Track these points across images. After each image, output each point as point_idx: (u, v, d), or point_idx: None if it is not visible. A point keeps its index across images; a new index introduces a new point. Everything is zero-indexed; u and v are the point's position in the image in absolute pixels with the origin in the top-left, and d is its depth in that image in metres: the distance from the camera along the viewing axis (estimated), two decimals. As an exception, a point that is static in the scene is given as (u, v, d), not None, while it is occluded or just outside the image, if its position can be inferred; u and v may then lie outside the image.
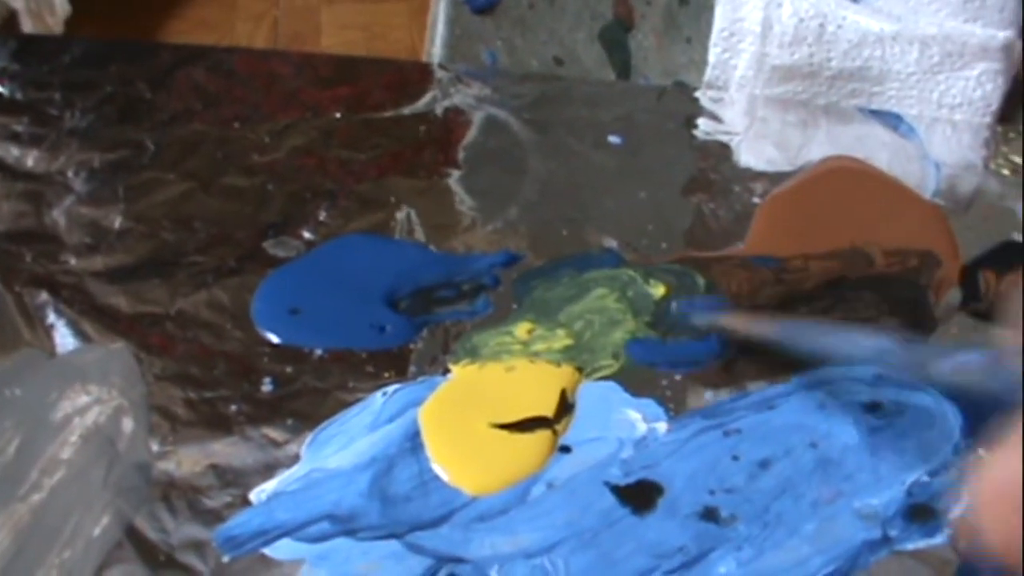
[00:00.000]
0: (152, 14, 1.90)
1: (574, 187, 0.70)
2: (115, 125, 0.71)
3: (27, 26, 1.65)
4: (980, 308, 0.65)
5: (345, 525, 0.53)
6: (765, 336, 0.58)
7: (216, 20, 1.92)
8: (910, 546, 0.54)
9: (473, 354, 0.60)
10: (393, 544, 0.52)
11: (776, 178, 0.72)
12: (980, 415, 0.58)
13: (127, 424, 0.56)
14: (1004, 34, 0.80)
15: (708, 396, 0.59)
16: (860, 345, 0.52)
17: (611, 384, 0.59)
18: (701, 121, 0.76)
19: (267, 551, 0.52)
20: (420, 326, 0.61)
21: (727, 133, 0.75)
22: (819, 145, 0.75)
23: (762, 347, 0.58)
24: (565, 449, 0.56)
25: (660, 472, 0.56)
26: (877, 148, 0.75)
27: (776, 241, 0.68)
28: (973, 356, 0.34)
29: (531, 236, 0.66)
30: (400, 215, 0.67)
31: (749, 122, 0.77)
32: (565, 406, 0.58)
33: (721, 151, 0.74)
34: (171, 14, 1.91)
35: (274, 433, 0.56)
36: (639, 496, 0.55)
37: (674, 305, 0.64)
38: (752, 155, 0.74)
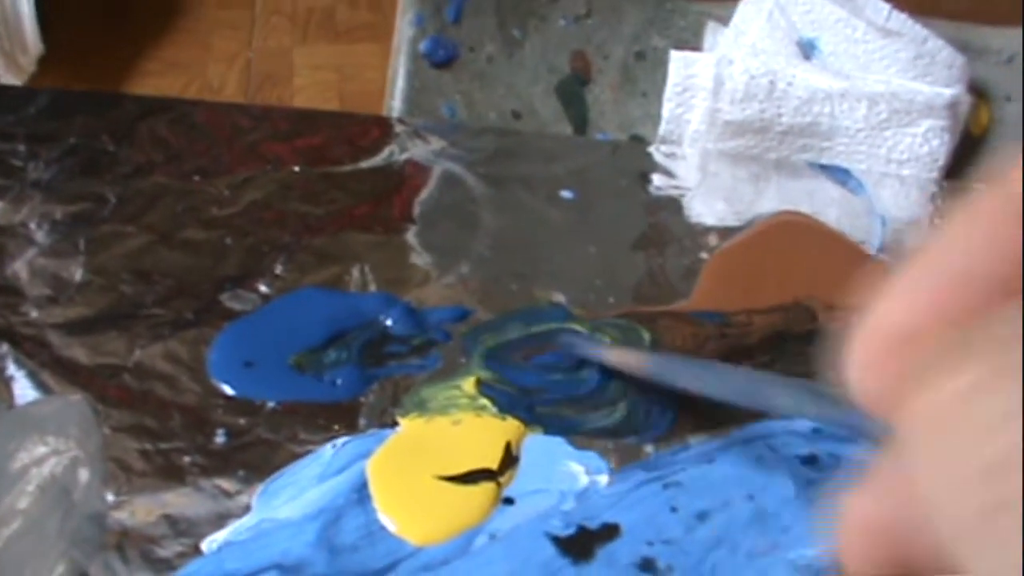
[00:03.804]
0: (125, 55, 1.91)
1: (525, 242, 0.71)
2: (78, 177, 0.72)
3: None
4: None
5: (293, 574, 0.54)
6: (638, 368, 0.60)
7: (188, 61, 1.93)
8: (842, 597, 0.55)
9: (421, 407, 0.62)
10: (339, 594, 0.54)
11: (726, 233, 0.74)
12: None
13: (83, 475, 0.57)
14: (950, 91, 0.82)
15: (649, 449, 0.61)
16: (728, 383, 0.53)
17: (555, 437, 0.61)
18: (654, 176, 0.78)
19: (216, 600, 0.54)
20: (370, 379, 0.63)
21: (679, 188, 0.77)
22: (770, 200, 0.77)
23: (642, 380, 0.60)
24: (508, 501, 0.58)
25: (600, 524, 0.57)
26: (827, 203, 0.77)
27: (722, 296, 0.69)
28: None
29: (482, 291, 0.68)
30: (355, 269, 0.68)
31: (701, 177, 0.79)
32: (509, 459, 0.59)
33: (673, 206, 0.75)
34: (144, 55, 1.92)
35: (226, 484, 0.58)
36: (578, 547, 0.56)
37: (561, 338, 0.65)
38: (703, 210, 0.75)
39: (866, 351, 0.22)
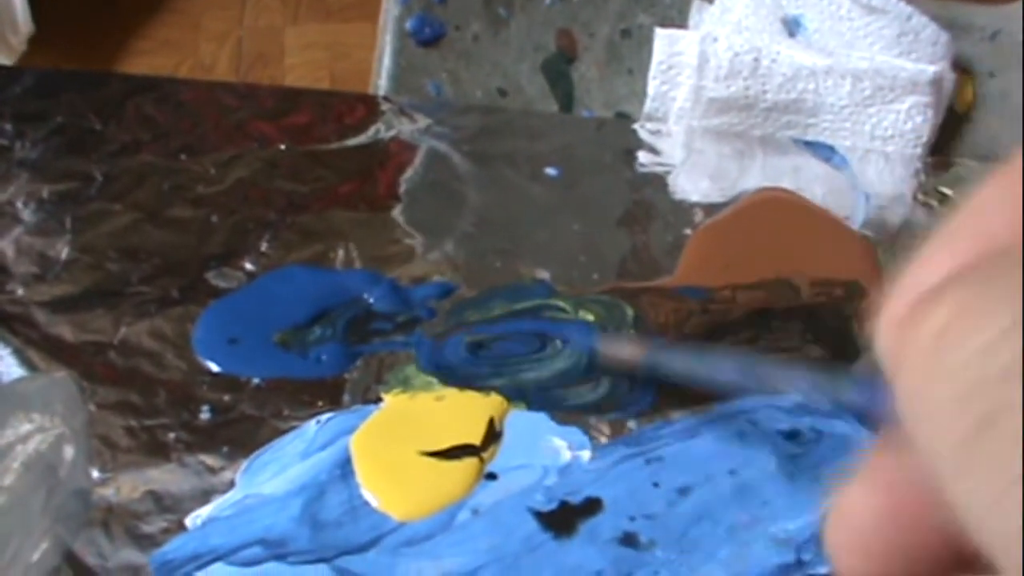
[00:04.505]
0: (116, 34, 1.91)
1: (510, 219, 0.72)
2: (64, 156, 0.72)
3: (-11, 46, 1.66)
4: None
5: (276, 549, 0.55)
6: (635, 361, 0.60)
7: (180, 40, 1.93)
8: (823, 570, 0.56)
9: (405, 384, 0.62)
10: (322, 568, 0.54)
11: (711, 209, 0.74)
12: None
13: (68, 451, 0.58)
14: (934, 68, 0.82)
15: (632, 424, 0.61)
16: (721, 369, 0.53)
17: (538, 413, 0.61)
18: (640, 153, 0.78)
19: (200, 575, 0.54)
20: (355, 356, 0.63)
21: (664, 165, 0.77)
22: (754, 176, 0.77)
23: (635, 371, 0.61)
24: (491, 476, 0.58)
25: (583, 499, 0.58)
26: (811, 179, 0.77)
27: (705, 272, 0.70)
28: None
29: (466, 268, 0.68)
30: (340, 247, 0.68)
31: (687, 154, 0.79)
32: (493, 434, 0.60)
33: (657, 183, 0.76)
34: (135, 34, 1.92)
35: (211, 460, 0.58)
36: (561, 522, 0.57)
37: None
38: (688, 187, 0.76)
39: (891, 315, 0.22)
